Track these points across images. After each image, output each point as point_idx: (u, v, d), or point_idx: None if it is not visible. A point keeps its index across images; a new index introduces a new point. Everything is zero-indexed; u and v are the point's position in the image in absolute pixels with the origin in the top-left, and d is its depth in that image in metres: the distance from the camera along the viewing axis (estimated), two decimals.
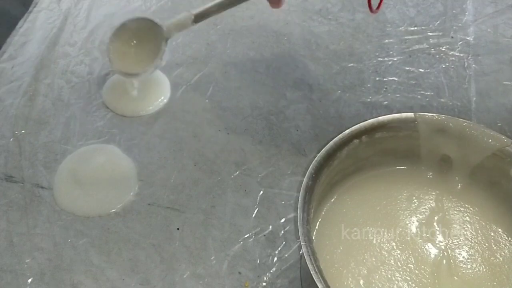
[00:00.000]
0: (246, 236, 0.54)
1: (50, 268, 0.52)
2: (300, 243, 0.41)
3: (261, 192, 0.57)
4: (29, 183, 0.57)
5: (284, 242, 0.53)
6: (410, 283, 0.45)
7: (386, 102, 0.64)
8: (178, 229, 0.54)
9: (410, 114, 0.49)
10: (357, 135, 0.48)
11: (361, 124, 0.48)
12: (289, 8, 0.74)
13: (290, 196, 0.56)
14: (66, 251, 0.53)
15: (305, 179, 0.44)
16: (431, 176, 0.51)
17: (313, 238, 0.43)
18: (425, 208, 0.49)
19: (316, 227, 0.48)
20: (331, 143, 0.47)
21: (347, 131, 0.47)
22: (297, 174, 0.58)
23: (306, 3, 0.75)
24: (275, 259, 0.52)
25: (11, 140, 0.61)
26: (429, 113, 0.49)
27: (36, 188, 0.57)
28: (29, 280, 0.51)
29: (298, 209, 0.43)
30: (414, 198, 0.50)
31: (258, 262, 0.52)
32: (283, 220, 0.55)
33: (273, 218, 0.55)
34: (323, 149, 0.46)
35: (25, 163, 0.59)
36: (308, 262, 0.40)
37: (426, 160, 0.50)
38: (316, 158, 0.46)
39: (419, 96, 0.64)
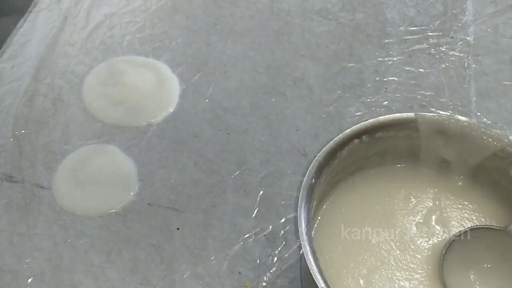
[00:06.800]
0: (246, 236, 0.54)
1: (50, 268, 0.52)
2: (300, 243, 0.41)
3: (261, 192, 0.57)
4: (29, 183, 0.57)
5: (284, 242, 0.53)
6: (411, 282, 0.45)
7: (386, 102, 0.64)
8: (178, 229, 0.54)
9: (411, 114, 0.49)
10: (358, 134, 0.47)
11: (362, 123, 0.48)
12: (289, 8, 0.74)
13: (290, 196, 0.56)
14: (66, 251, 0.53)
15: (305, 178, 0.44)
16: (430, 176, 0.51)
17: (313, 237, 0.43)
18: (422, 207, 0.49)
19: (316, 227, 0.48)
20: (331, 142, 0.47)
21: (347, 131, 0.47)
22: (297, 174, 0.58)
23: (306, 3, 0.75)
24: (275, 259, 0.52)
25: (11, 140, 0.61)
26: (429, 113, 0.49)
27: (36, 188, 0.57)
28: (29, 280, 0.51)
29: (298, 209, 0.43)
30: (411, 197, 0.50)
31: (258, 262, 0.52)
32: (283, 220, 0.55)
33: (273, 218, 0.55)
34: (324, 149, 0.46)
35: (25, 163, 0.59)
36: (308, 261, 0.40)
37: (426, 160, 0.50)
38: (316, 157, 0.45)
39: (419, 96, 0.64)
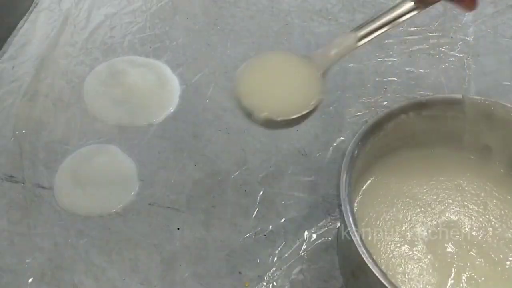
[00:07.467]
0: (246, 236, 0.54)
1: (50, 268, 0.52)
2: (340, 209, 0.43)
3: (261, 192, 0.57)
4: (30, 183, 0.57)
5: (284, 242, 0.53)
6: (455, 263, 0.46)
7: (386, 103, 0.64)
8: (178, 229, 0.54)
9: (458, 95, 0.49)
10: (405, 110, 0.49)
11: (410, 100, 0.50)
12: (289, 8, 0.74)
13: (290, 196, 0.56)
14: (66, 251, 0.53)
15: (350, 145, 0.46)
16: (472, 161, 0.51)
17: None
18: (462, 192, 0.50)
19: (357, 200, 0.49)
20: (379, 115, 0.48)
21: (395, 106, 0.49)
22: (297, 174, 0.58)
23: (306, 3, 0.75)
24: (275, 259, 0.52)
25: (12, 140, 0.61)
26: (477, 96, 0.50)
27: (37, 188, 0.57)
28: (30, 280, 0.51)
29: (341, 172, 0.44)
30: (452, 181, 0.50)
31: (258, 262, 0.52)
32: (283, 220, 0.55)
33: (273, 218, 0.55)
34: (371, 120, 0.48)
35: (25, 163, 0.59)
36: (348, 223, 0.41)
37: (468, 145, 0.51)
38: (363, 127, 0.47)
39: (419, 97, 0.64)
